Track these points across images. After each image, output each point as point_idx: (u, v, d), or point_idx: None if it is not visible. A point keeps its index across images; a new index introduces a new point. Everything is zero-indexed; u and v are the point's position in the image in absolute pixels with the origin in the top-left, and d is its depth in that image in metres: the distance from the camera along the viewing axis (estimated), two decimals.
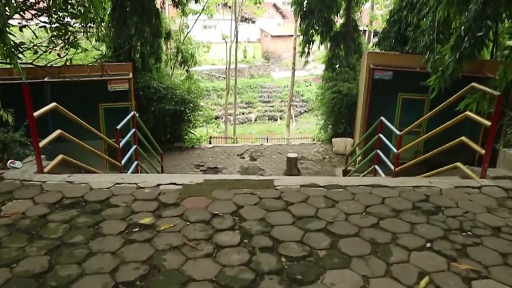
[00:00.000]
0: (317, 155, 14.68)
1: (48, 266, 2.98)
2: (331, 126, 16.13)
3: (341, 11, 16.67)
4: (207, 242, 3.31)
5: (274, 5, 51.09)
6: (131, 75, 12.13)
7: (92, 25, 11.13)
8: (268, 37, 49.19)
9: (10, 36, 6.01)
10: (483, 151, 5.08)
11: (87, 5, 8.14)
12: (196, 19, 21.14)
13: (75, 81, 10.19)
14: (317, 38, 17.02)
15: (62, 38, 8.91)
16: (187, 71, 17.48)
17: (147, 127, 14.53)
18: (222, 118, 35.31)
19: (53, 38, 8.59)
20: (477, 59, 8.47)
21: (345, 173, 10.54)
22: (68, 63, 8.44)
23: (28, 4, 7.81)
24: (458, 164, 5.36)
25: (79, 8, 9.05)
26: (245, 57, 43.75)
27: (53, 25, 8.80)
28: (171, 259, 3.08)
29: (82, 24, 9.67)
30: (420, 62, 12.31)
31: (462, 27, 7.53)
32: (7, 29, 5.89)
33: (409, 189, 4.38)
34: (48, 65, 9.58)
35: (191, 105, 14.83)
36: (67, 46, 9.19)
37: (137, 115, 8.64)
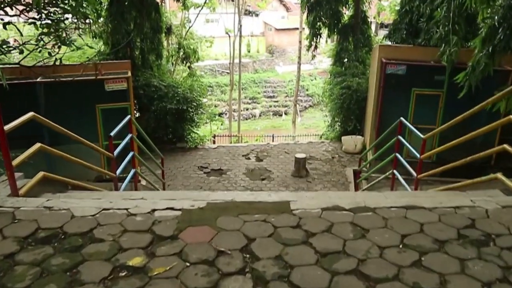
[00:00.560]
0: (326, 155, 13.97)
1: None
2: (340, 124, 15.40)
3: (350, 2, 15.88)
4: None
5: None
6: (129, 74, 11.42)
7: (86, 21, 10.51)
8: (272, 30, 48.29)
9: None
10: None
11: None
12: (198, 13, 20.33)
13: (69, 81, 9.49)
14: (324, 31, 16.25)
15: (53, 35, 8.26)
16: (189, 67, 16.75)
17: (148, 127, 13.93)
18: (226, 114, 34.61)
19: (42, 36, 7.92)
20: None
21: (358, 176, 9.85)
22: (57, 62, 7.77)
23: None
24: (499, 175, 4.64)
25: (71, 2, 8.39)
26: (249, 51, 42.92)
27: (43, 22, 8.16)
28: None
29: (76, 19, 9.02)
30: (435, 55, 11.59)
31: (496, 17, 6.75)
32: None
33: (449, 211, 3.67)
34: (38, 64, 8.97)
35: (194, 103, 14.12)
36: (59, 44, 8.59)
37: (133, 119, 7.99)
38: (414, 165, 6.90)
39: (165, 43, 16.22)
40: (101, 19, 13.56)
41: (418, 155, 6.31)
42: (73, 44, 8.86)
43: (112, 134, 5.96)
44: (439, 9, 11.92)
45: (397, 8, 14.30)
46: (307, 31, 16.57)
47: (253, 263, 2.93)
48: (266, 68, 43.12)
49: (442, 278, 2.80)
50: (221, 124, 27.67)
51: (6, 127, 3.93)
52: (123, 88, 11.22)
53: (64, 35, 8.51)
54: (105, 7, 13.24)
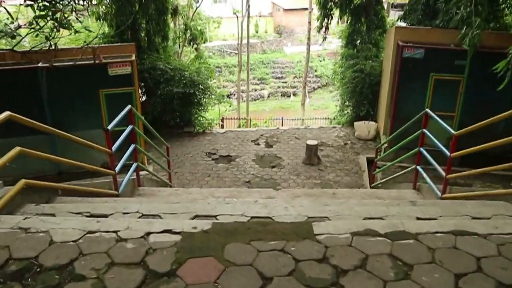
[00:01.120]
0: (337, 141, 13.21)
1: None
2: (352, 108, 14.59)
3: None
4: None
5: None
6: (134, 57, 10.65)
7: (90, 2, 9.74)
8: (280, 10, 46.95)
9: None
10: None
11: None
12: None
13: (72, 66, 8.73)
14: (336, 12, 15.32)
15: (49, 18, 7.52)
16: (196, 49, 15.92)
17: (155, 111, 13.24)
18: (234, 95, 33.78)
19: (37, 19, 7.18)
20: None
21: (374, 167, 9.11)
22: (53, 47, 7.05)
23: None
24: None
25: None
26: (257, 32, 41.76)
27: (40, 3, 7.42)
28: None
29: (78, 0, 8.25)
30: (455, 38, 10.73)
31: None
32: None
33: (508, 238, 2.95)
34: (35, 50, 8.25)
35: (201, 87, 13.36)
36: (57, 27, 7.85)
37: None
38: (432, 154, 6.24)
39: (171, 25, 15.41)
40: (105, 0, 12.79)
41: (447, 153, 5.55)
42: (72, 27, 8.15)
43: (109, 127, 5.25)
44: None
45: None
46: (316, 11, 15.65)
47: None
48: (274, 48, 42.01)
49: None
50: (230, 106, 26.87)
51: None
52: (127, 73, 10.48)
53: (62, 17, 7.80)
54: None
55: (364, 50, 14.41)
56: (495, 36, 10.73)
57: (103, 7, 12.42)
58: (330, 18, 15.40)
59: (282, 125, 19.90)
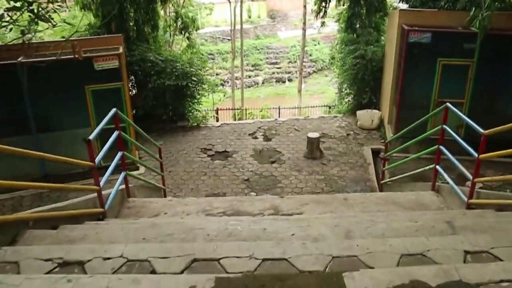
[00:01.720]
0: (340, 131, 12.51)
1: None
2: (353, 96, 13.87)
3: None
4: None
5: None
6: (121, 49, 9.89)
7: None
8: None
9: None
10: None
11: None
12: None
13: (53, 61, 7.92)
14: None
15: (24, 10, 6.76)
16: (188, 38, 15.07)
17: (146, 106, 12.46)
18: (228, 82, 32.92)
19: (7, 12, 6.42)
20: None
21: (383, 162, 8.42)
22: (27, 42, 6.29)
23: None
24: None
25: None
26: (250, 17, 40.62)
27: None
28: None
29: None
30: (463, 21, 10.03)
31: None
32: None
33: None
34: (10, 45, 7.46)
35: (194, 78, 12.57)
36: (35, 20, 7.10)
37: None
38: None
39: (161, 13, 14.56)
40: None
41: (475, 154, 4.86)
42: (51, 19, 7.37)
43: (91, 138, 4.52)
44: None
45: None
46: None
47: None
48: (268, 33, 40.92)
49: None
50: (224, 95, 26.06)
51: None
52: (115, 67, 9.72)
53: (39, 9, 7.02)
54: None
55: (364, 34, 13.65)
56: (507, 17, 10.02)
57: None
58: (328, 2, 14.58)
59: (279, 115, 19.16)
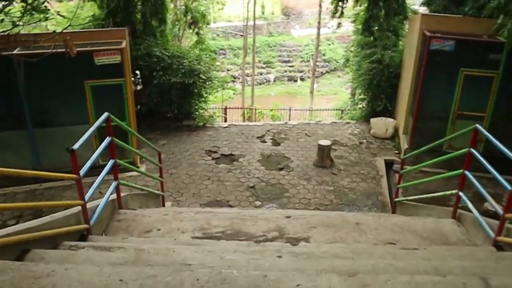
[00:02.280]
0: (352, 139, 11.95)
1: None
2: (367, 102, 13.29)
3: None
4: None
5: None
6: (124, 44, 9.40)
7: None
8: None
9: None
10: None
11: None
12: None
13: (47, 55, 7.41)
14: None
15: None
16: (197, 33, 14.54)
17: (150, 102, 11.97)
18: (239, 78, 32.39)
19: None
20: None
21: (399, 180, 7.82)
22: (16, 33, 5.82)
23: None
24: None
25: None
26: (263, 13, 39.96)
27: None
28: None
29: None
30: (489, 29, 9.45)
31: None
32: None
33: None
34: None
35: (202, 77, 12.07)
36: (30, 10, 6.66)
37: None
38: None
39: (171, 6, 14.05)
40: None
41: (508, 187, 4.30)
42: (47, 10, 6.89)
43: (75, 147, 4.02)
44: None
45: None
46: None
47: None
48: (281, 31, 40.23)
49: None
50: (234, 93, 25.52)
51: None
52: (117, 62, 9.24)
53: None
54: None
55: (382, 38, 13.05)
56: None
57: None
58: (345, 2, 13.99)
59: (289, 118, 18.61)
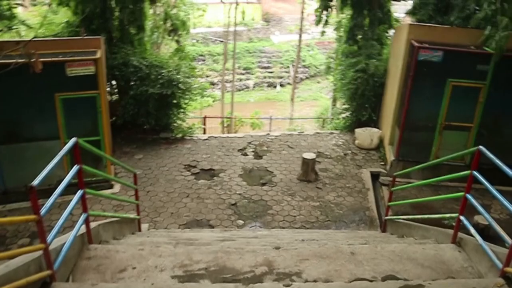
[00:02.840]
0: (336, 150, 11.52)
1: None
2: (351, 112, 12.87)
3: None
4: None
5: None
6: (99, 54, 8.78)
7: None
8: None
9: None
10: None
11: None
12: None
13: (15, 64, 6.71)
14: (336, 3, 13.53)
15: None
16: (177, 41, 13.94)
17: (126, 114, 11.27)
18: (218, 84, 31.77)
19: None
20: None
21: (390, 198, 7.40)
22: None
23: None
24: None
25: None
26: (244, 19, 39.47)
27: None
28: None
29: None
30: (476, 40, 9.18)
31: None
32: None
33: None
34: None
35: (181, 87, 11.47)
36: None
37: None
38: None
39: (151, 12, 13.42)
40: None
41: None
42: (13, 17, 6.28)
43: (35, 184, 3.43)
44: None
45: None
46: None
47: None
48: (261, 37, 39.68)
49: None
50: (213, 101, 24.88)
51: None
52: (90, 73, 8.61)
53: None
54: None
55: (367, 47, 12.69)
56: None
57: None
58: (330, 10, 13.60)
59: (270, 126, 18.10)
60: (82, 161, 4.47)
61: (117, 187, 9.33)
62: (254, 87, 35.73)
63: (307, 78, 36.93)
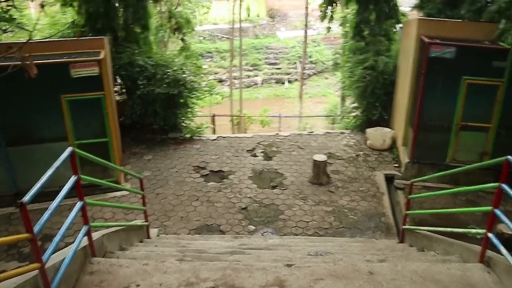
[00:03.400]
0: (348, 151, 11.11)
1: None
2: (362, 111, 12.43)
3: None
4: None
5: None
6: (103, 55, 8.46)
7: None
8: None
9: None
10: None
11: None
12: None
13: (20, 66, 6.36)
14: None
15: None
16: (182, 39, 13.56)
17: (134, 115, 10.96)
18: (226, 81, 31.37)
19: None
20: None
21: (408, 205, 6.98)
22: None
23: None
24: None
25: None
26: (249, 15, 38.95)
27: None
28: None
29: None
30: (491, 34, 8.73)
31: None
32: None
33: None
34: None
35: (188, 86, 11.12)
36: None
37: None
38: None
39: (156, 10, 13.06)
40: None
41: None
42: (13, 19, 5.96)
43: (26, 199, 3.11)
44: None
45: None
46: None
47: None
48: (267, 33, 39.17)
49: None
50: (222, 99, 24.50)
51: None
52: (95, 74, 8.29)
53: None
54: None
55: (374, 43, 12.22)
56: None
57: None
58: (335, 5, 13.14)
59: (280, 124, 17.70)
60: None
61: (127, 186, 9.01)
62: (262, 83, 35.28)
63: (314, 74, 36.39)
